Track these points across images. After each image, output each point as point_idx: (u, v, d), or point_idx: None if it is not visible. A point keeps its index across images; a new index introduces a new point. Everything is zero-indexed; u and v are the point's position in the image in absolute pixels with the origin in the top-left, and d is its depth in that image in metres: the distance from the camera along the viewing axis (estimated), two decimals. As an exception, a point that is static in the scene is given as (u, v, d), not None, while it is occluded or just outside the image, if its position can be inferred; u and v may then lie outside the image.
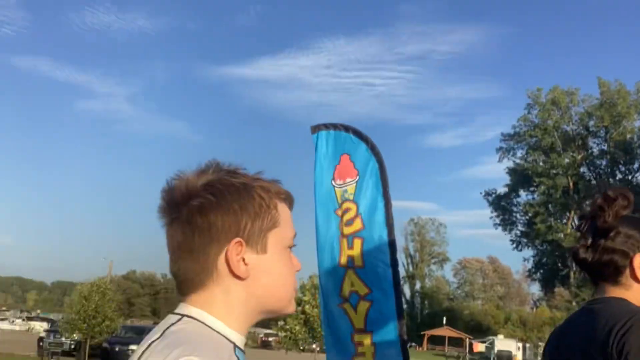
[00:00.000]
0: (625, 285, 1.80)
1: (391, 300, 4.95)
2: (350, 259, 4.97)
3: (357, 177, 5.14)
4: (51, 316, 64.54)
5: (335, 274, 5.11)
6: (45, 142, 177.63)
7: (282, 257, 1.18)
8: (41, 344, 24.60)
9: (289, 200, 1.23)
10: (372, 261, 4.95)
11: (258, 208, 1.14)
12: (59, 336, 23.44)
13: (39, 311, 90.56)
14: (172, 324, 1.11)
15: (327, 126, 5.38)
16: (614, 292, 1.81)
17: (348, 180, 5.25)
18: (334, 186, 5.23)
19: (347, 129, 5.31)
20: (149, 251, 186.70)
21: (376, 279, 4.94)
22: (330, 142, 5.28)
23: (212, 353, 1.06)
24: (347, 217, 5.12)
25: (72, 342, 23.52)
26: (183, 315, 1.13)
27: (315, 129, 5.21)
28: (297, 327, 14.94)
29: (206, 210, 1.12)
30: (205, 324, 1.11)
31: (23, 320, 62.34)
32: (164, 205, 1.17)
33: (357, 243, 5.12)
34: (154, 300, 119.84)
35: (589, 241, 1.85)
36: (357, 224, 5.09)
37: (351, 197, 5.16)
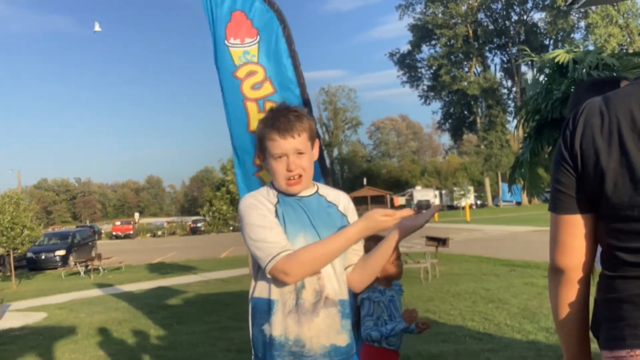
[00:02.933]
0: None
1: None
2: (264, 124, 4.78)
3: (258, 37, 4.83)
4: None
5: (246, 141, 4.91)
6: None
7: (271, 162, 2.21)
8: (-39, 264, 23.82)
9: (277, 131, 2.18)
10: (290, 124, 4.82)
11: (259, 140, 2.28)
12: (-21, 254, 22.68)
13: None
14: None
15: None
16: None
17: (248, 40, 4.92)
18: (227, 46, 4.89)
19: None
20: (58, 157, 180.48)
21: (296, 142, 4.83)
22: None
23: (257, 192, 2.27)
24: (252, 80, 4.86)
25: (-6, 257, 22.86)
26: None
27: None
28: (225, 207, 15.00)
29: None
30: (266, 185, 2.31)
31: (-63, 245, 59.75)
32: None
33: (270, 107, 4.93)
34: (72, 205, 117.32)
35: None
36: (267, 88, 4.86)
37: (255, 60, 4.87)
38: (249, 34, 4.85)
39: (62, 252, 24.65)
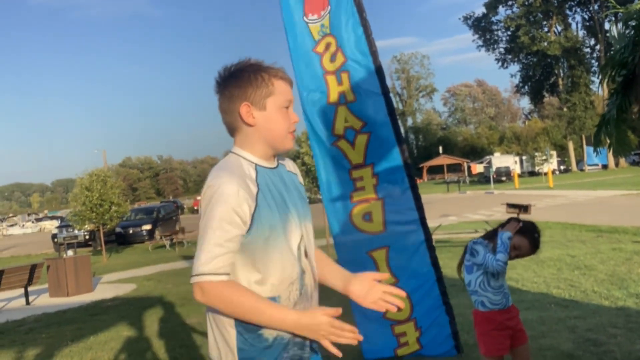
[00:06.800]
0: None
1: (388, 128, 4.85)
2: (342, 95, 4.79)
3: (329, 7, 4.82)
4: (59, 214, 65.64)
5: (325, 113, 4.96)
6: (2, 39, 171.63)
7: (277, 112, 1.95)
8: (55, 240, 25.18)
9: (285, 78, 1.97)
10: (363, 93, 4.78)
11: (259, 84, 1.92)
12: (71, 230, 23.90)
13: (46, 211, 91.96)
14: (224, 157, 1.99)
15: None
16: None
17: (322, 13, 4.93)
18: (306, 22, 4.92)
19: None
20: (140, 136, 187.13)
21: (370, 110, 4.80)
22: None
23: (233, 168, 1.90)
24: (329, 53, 4.87)
25: (85, 233, 24.04)
26: (229, 152, 2.02)
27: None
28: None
29: (229, 86, 1.95)
30: (237, 154, 1.98)
31: (33, 222, 63.52)
32: (215, 84, 1.98)
33: (345, 77, 4.92)
34: (155, 182, 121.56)
35: None
36: (340, 58, 4.87)
37: (327, 31, 4.87)
38: (322, 6, 4.87)
39: (148, 227, 25.66)
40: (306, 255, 2.00)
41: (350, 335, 1.80)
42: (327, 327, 1.79)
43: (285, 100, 1.95)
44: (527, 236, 3.42)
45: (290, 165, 2.15)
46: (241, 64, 1.96)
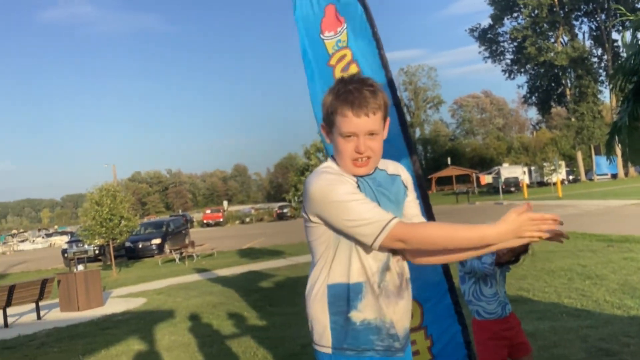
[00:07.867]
0: None
1: (400, 139, 4.88)
2: (352, 107, 4.84)
3: (345, 24, 4.92)
4: (69, 229, 65.86)
5: None
6: (15, 56, 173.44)
7: (339, 140, 2.00)
8: (65, 255, 25.28)
9: (353, 108, 1.95)
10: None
11: (329, 111, 2.02)
12: (81, 245, 24.00)
13: (56, 226, 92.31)
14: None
15: None
16: None
17: (339, 29, 5.05)
18: (323, 39, 5.03)
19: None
20: (149, 151, 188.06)
21: (382, 122, 4.83)
22: None
23: (328, 169, 2.05)
24: (342, 64, 4.93)
25: (95, 248, 24.11)
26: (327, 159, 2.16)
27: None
28: (309, 191, 15.10)
29: None
30: (333, 160, 2.09)
31: (43, 238, 63.70)
32: None
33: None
34: (165, 195, 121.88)
35: None
36: (353, 69, 4.92)
37: (345, 44, 4.97)
38: (338, 23, 5.01)
39: (158, 241, 25.70)
40: (394, 254, 2.06)
41: (551, 218, 1.78)
42: (528, 222, 1.77)
43: (347, 131, 1.97)
44: None
45: (391, 168, 2.20)
46: (334, 86, 2.05)
